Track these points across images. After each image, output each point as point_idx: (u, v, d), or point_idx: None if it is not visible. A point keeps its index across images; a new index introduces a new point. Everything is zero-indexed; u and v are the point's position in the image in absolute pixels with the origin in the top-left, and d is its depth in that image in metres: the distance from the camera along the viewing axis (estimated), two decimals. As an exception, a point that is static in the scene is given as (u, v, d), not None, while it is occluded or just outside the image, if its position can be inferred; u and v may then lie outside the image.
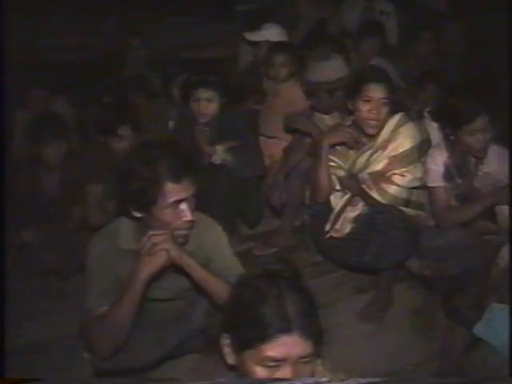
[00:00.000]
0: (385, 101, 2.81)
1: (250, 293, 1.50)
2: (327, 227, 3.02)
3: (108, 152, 3.21)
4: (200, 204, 2.16)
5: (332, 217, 3.01)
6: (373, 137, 2.90)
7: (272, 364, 1.42)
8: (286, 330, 1.42)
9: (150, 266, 2.05)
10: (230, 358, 1.54)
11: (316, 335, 1.46)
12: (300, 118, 3.38)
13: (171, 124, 3.81)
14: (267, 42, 3.98)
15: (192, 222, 2.07)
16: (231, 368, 1.56)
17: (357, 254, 2.93)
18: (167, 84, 3.92)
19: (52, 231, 3.23)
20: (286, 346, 1.41)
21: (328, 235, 3.02)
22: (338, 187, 2.99)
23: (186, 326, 2.38)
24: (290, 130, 3.52)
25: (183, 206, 2.03)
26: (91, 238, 2.28)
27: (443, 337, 2.72)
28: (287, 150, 3.58)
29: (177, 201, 2.01)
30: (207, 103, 3.22)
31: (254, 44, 4.09)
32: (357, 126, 2.90)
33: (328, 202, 3.02)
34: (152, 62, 4.29)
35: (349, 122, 3.00)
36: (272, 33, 4.00)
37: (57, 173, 3.26)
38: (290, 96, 3.71)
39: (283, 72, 3.73)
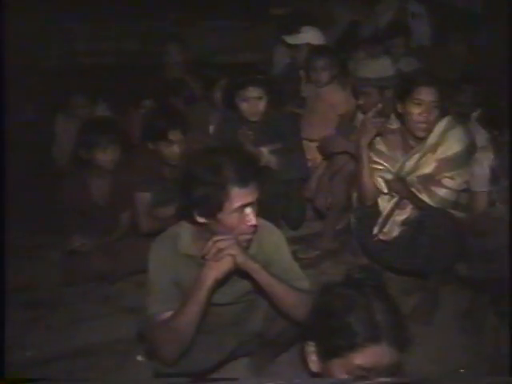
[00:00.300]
0: (435, 104, 2.82)
1: (337, 301, 1.51)
2: (375, 230, 3.04)
3: (156, 158, 3.22)
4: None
5: (380, 220, 3.03)
6: (421, 140, 2.91)
7: (360, 373, 1.43)
8: (375, 338, 1.43)
9: (216, 271, 2.05)
10: (315, 366, 1.55)
11: (403, 344, 1.47)
12: (334, 139, 3.41)
13: (211, 128, 3.82)
14: (307, 44, 3.98)
15: (256, 226, 2.07)
16: (315, 375, 1.57)
17: (406, 257, 2.95)
18: (208, 88, 3.92)
19: (100, 238, 3.24)
20: (375, 355, 1.43)
21: (376, 238, 3.04)
22: (385, 190, 3.01)
23: (245, 330, 2.39)
24: (327, 154, 3.53)
25: (248, 211, 2.03)
26: (151, 243, 2.28)
27: (492, 338, 2.73)
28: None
29: (242, 205, 2.01)
30: (257, 101, 3.26)
31: (293, 47, 4.09)
32: (406, 128, 2.92)
33: (375, 205, 3.05)
34: (190, 66, 4.29)
35: (396, 125, 3.01)
36: (311, 36, 4.00)
37: (105, 179, 3.25)
38: (332, 99, 3.74)
39: (325, 76, 3.75)
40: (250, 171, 2.03)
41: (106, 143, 3.11)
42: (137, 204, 3.24)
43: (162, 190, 3.26)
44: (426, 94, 2.81)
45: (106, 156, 3.14)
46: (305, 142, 3.69)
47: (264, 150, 3.27)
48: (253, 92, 3.25)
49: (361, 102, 3.36)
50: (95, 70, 4.67)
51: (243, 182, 1.99)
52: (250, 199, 2.02)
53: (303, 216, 3.55)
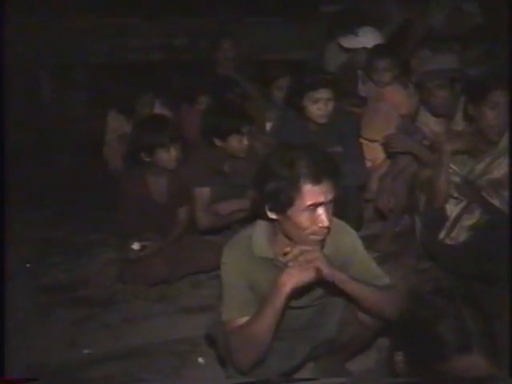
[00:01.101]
0: (508, 107, 2.73)
1: (426, 310, 1.43)
2: (442, 234, 2.95)
3: (214, 154, 3.16)
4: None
5: (448, 224, 2.95)
6: (492, 143, 2.83)
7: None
8: (466, 349, 1.36)
9: (297, 280, 1.97)
10: (403, 373, 1.51)
11: (496, 355, 1.39)
12: (399, 138, 3.29)
13: (268, 125, 3.74)
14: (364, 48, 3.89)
15: (328, 228, 1.98)
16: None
17: (473, 262, 2.84)
18: (264, 85, 3.83)
19: (159, 238, 3.15)
20: (466, 366, 1.34)
21: (442, 242, 2.95)
22: (455, 194, 2.92)
23: (317, 335, 2.30)
24: (390, 153, 3.46)
25: (320, 211, 1.92)
26: (224, 247, 2.19)
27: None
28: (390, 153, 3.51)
29: (314, 204, 1.91)
30: (327, 103, 3.15)
31: (350, 49, 3.99)
32: (478, 131, 2.82)
33: (443, 208, 2.95)
34: (242, 63, 4.22)
35: (461, 127, 2.93)
36: (369, 39, 3.90)
37: (164, 176, 3.15)
38: (394, 99, 3.67)
39: (387, 76, 3.67)
40: (325, 169, 1.91)
41: (169, 143, 2.98)
42: (195, 199, 3.17)
43: (221, 186, 3.20)
44: (502, 97, 2.71)
45: (169, 156, 3.02)
46: (365, 142, 3.62)
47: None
48: (323, 93, 3.14)
49: (423, 98, 3.26)
50: (146, 66, 4.62)
51: (316, 179, 1.89)
52: (322, 198, 1.90)
53: (362, 218, 3.45)
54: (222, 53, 4.16)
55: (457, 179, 2.91)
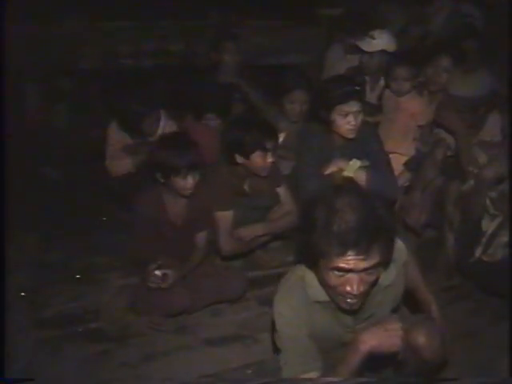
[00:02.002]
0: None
1: None
2: (478, 251, 2.83)
3: (234, 173, 2.96)
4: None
5: (484, 240, 2.82)
6: None
7: None
8: None
9: (377, 342, 1.88)
10: None
11: None
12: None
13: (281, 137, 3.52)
14: (382, 51, 3.72)
15: (358, 296, 1.79)
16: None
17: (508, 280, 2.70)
18: (278, 96, 3.59)
19: (179, 266, 2.85)
20: None
21: (478, 259, 2.82)
22: (491, 210, 2.80)
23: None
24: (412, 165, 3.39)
25: (350, 276, 1.75)
26: (276, 296, 2.03)
27: None
28: (409, 164, 3.43)
29: (342, 270, 1.73)
30: (357, 116, 2.95)
31: (364, 52, 3.80)
32: None
33: (478, 224, 2.82)
34: (244, 68, 3.98)
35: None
36: (387, 41, 3.74)
37: (183, 198, 2.85)
38: (413, 109, 3.52)
39: (406, 86, 3.52)
40: (368, 232, 1.69)
41: (187, 171, 2.69)
42: (218, 224, 2.95)
43: (243, 208, 3.02)
44: None
45: (185, 184, 2.73)
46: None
47: (356, 162, 2.99)
48: (353, 106, 2.93)
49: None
50: (139, 72, 4.32)
51: (349, 245, 1.69)
52: (352, 266, 1.71)
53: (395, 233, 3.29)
54: (227, 57, 3.92)
55: (493, 194, 2.79)
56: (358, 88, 3.00)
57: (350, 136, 3.00)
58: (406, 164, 3.43)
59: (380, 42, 3.73)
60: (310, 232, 1.74)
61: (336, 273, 1.75)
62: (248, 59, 4.08)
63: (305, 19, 5.00)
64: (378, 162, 3.07)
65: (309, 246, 1.77)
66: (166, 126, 3.46)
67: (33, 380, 1.95)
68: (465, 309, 3.03)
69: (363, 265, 1.72)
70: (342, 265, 1.72)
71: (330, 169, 3.01)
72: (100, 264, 3.36)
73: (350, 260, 1.70)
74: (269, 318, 2.90)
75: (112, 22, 4.40)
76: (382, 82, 3.79)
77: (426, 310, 2.17)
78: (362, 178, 2.96)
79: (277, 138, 2.97)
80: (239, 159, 2.92)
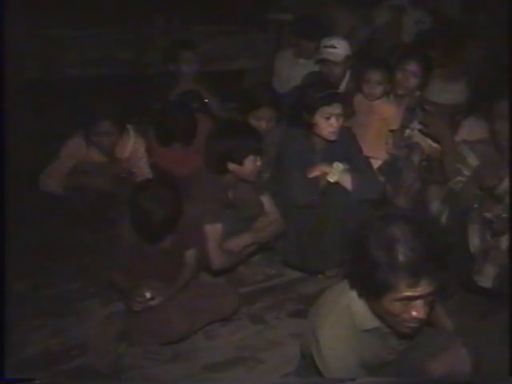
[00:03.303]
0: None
1: None
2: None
3: (220, 182, 2.87)
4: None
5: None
6: None
7: None
8: None
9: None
10: None
11: None
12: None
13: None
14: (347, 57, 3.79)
15: (422, 320, 1.77)
16: None
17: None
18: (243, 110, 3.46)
19: (168, 286, 2.68)
20: None
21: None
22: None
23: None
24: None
25: (417, 302, 1.71)
26: (319, 322, 1.94)
27: None
28: (382, 169, 3.47)
29: (411, 298, 1.69)
30: (339, 119, 2.97)
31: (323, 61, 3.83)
32: None
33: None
34: (201, 75, 3.83)
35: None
36: (346, 48, 3.81)
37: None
38: (386, 113, 3.55)
39: (379, 90, 3.55)
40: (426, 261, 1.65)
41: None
42: (207, 238, 2.83)
43: (230, 220, 2.92)
44: None
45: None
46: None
47: (338, 165, 2.99)
48: (337, 108, 2.95)
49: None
50: (86, 82, 4.03)
51: (415, 275, 1.64)
52: (419, 292, 1.67)
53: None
54: (185, 67, 3.77)
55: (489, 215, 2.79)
56: (339, 91, 3.04)
57: (332, 138, 3.02)
58: (379, 168, 3.46)
59: (341, 50, 3.79)
60: (371, 267, 1.67)
61: (401, 302, 1.69)
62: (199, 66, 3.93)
63: (253, 24, 4.90)
64: (358, 164, 3.08)
65: (371, 281, 1.69)
66: (135, 142, 3.32)
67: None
68: (449, 309, 3.09)
69: (430, 289, 1.68)
70: (411, 294, 1.66)
71: (314, 173, 3.00)
72: (75, 291, 3.08)
73: (419, 288, 1.66)
74: (266, 335, 2.90)
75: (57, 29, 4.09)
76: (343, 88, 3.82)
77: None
78: (347, 181, 2.97)
79: (262, 140, 2.96)
80: (231, 166, 2.86)
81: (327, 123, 2.97)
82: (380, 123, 3.55)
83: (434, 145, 3.22)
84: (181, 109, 3.55)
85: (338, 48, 3.78)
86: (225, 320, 2.85)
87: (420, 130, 3.31)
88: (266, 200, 3.06)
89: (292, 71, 4.13)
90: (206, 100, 3.81)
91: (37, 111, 3.97)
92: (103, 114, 3.23)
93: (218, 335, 2.82)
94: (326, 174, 2.99)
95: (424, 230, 1.70)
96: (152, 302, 2.59)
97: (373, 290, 1.72)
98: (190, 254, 2.77)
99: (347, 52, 3.83)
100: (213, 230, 2.84)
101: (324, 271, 3.17)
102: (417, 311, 1.70)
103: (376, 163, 3.44)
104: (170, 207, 2.52)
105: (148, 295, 2.58)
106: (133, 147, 3.35)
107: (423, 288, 1.66)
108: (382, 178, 3.41)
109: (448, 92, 3.19)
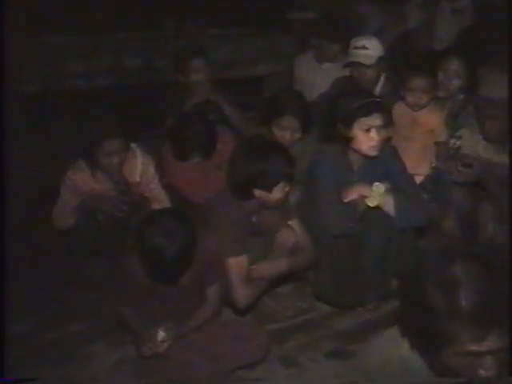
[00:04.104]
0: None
1: None
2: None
3: (241, 209, 2.52)
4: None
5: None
6: None
7: None
8: None
9: None
10: None
11: None
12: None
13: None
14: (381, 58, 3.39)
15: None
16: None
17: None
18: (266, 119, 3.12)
19: (183, 326, 2.36)
20: None
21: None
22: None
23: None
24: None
25: None
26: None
27: None
28: (425, 184, 3.13)
29: None
30: (380, 132, 2.58)
31: (353, 64, 3.44)
32: None
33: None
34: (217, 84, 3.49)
35: None
36: (379, 48, 3.41)
37: None
38: (431, 124, 3.17)
39: (425, 98, 3.14)
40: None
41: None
42: (231, 272, 2.46)
43: (255, 247, 2.58)
44: None
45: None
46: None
47: (379, 186, 2.60)
48: (377, 120, 2.56)
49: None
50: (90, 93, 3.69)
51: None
52: (489, 348, 1.33)
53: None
54: (196, 76, 3.41)
55: None
56: (379, 100, 2.64)
57: (373, 154, 2.63)
58: (421, 184, 3.06)
59: (373, 51, 3.38)
60: (427, 313, 1.35)
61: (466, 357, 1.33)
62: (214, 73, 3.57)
63: (273, 25, 4.51)
64: (402, 184, 2.69)
65: (427, 330, 1.37)
66: (142, 162, 2.98)
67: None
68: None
69: (500, 344, 1.31)
70: (477, 348, 1.31)
71: (351, 196, 2.61)
72: (78, 333, 2.73)
73: (487, 342, 1.30)
74: (297, 381, 2.56)
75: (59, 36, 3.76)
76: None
77: None
78: (389, 204, 2.59)
79: (294, 165, 2.56)
80: (258, 193, 2.49)
81: (367, 136, 2.57)
82: (425, 136, 3.17)
83: (485, 155, 2.85)
84: (199, 118, 3.21)
85: (370, 49, 3.36)
86: (253, 364, 2.49)
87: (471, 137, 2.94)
88: (295, 226, 2.69)
89: (316, 77, 3.79)
90: (226, 112, 3.46)
91: (37, 126, 3.65)
92: (110, 129, 2.86)
93: (244, 381, 2.48)
94: (364, 197, 2.60)
95: (492, 269, 1.36)
96: (161, 348, 2.26)
97: (429, 341, 1.39)
98: (212, 291, 2.43)
99: (380, 53, 3.41)
100: (237, 264, 2.47)
101: (362, 305, 2.81)
102: (485, 370, 1.35)
103: (418, 179, 3.03)
104: (183, 240, 2.15)
105: (160, 336, 2.25)
106: (142, 168, 2.99)
107: (492, 342, 1.32)
108: (425, 196, 3.03)
109: (499, 83, 2.75)
